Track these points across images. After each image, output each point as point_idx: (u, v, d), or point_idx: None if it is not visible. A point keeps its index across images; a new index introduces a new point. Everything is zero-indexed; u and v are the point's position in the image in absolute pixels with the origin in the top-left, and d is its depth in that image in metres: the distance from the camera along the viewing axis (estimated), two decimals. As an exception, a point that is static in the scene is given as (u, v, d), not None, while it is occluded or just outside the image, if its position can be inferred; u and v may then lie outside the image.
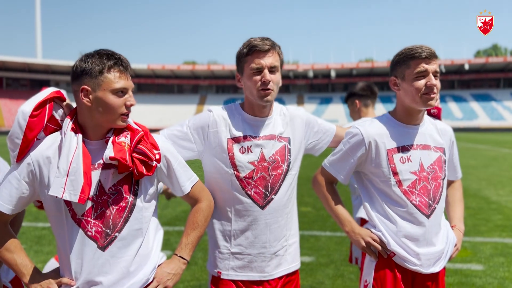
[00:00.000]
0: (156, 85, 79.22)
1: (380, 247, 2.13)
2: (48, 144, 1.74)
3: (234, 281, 2.07)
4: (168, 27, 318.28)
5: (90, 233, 1.73)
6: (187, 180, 1.92)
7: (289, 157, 2.11)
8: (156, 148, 1.82)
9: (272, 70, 2.02)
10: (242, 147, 2.05)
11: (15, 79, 72.84)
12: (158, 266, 1.86)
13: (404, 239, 2.11)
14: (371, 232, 2.17)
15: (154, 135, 1.91)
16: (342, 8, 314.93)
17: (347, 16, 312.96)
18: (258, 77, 2.01)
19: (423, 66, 2.04)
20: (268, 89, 2.01)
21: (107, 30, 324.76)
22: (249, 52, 2.01)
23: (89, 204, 1.73)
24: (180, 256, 1.88)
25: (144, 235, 1.81)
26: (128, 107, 1.75)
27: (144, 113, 64.43)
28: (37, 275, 1.79)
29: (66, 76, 69.79)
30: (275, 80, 2.03)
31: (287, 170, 2.10)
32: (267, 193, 2.05)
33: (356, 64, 74.57)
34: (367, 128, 2.16)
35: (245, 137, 2.06)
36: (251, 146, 2.06)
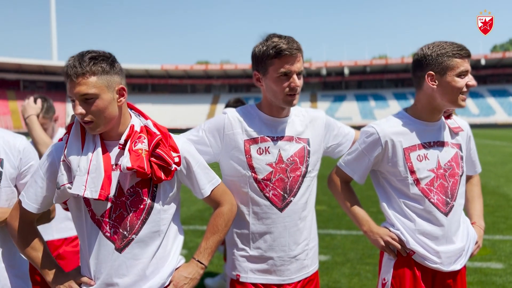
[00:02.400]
0: (170, 85, 79.69)
1: (399, 246, 2.11)
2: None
3: (254, 284, 2.05)
4: (181, 27, 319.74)
5: (108, 234, 1.73)
6: (207, 183, 1.88)
7: (307, 158, 2.07)
8: (176, 150, 1.80)
9: (298, 74, 1.98)
10: (259, 148, 2.02)
11: (31, 81, 73.96)
12: (176, 269, 1.84)
13: (423, 237, 2.08)
14: (390, 230, 2.14)
15: (175, 136, 1.88)
16: (355, 4, 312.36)
17: (361, 12, 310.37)
18: (286, 82, 1.95)
19: (465, 65, 2.02)
20: (295, 93, 1.99)
21: (121, 31, 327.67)
22: (277, 55, 1.93)
23: (107, 205, 1.73)
24: (198, 261, 1.86)
25: (162, 238, 1.79)
26: (79, 116, 1.66)
27: (157, 113, 64.82)
28: (60, 273, 1.81)
29: (81, 77, 70.50)
30: (300, 84, 1.99)
31: (306, 172, 2.06)
32: (285, 195, 2.02)
33: (370, 61, 73.89)
34: (383, 127, 2.13)
35: (262, 138, 2.03)
36: (268, 147, 2.02)
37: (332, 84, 79.81)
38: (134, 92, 77.88)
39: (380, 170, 2.19)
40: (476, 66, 70.56)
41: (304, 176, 2.06)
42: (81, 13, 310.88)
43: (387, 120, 2.19)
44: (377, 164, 2.17)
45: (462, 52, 2.02)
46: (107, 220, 1.73)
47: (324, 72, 73.77)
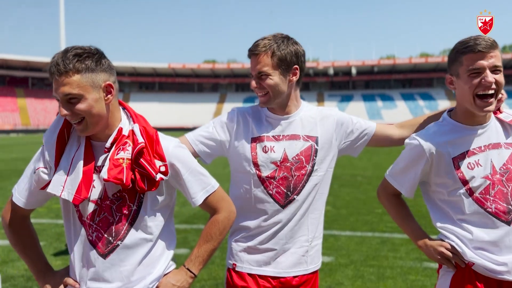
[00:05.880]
0: (177, 83, 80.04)
1: (450, 254, 1.93)
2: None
3: (250, 274, 2.06)
4: (189, 26, 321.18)
5: (90, 238, 1.66)
6: (200, 191, 1.75)
7: (314, 157, 2.05)
8: (163, 159, 1.67)
9: (261, 75, 1.98)
10: (265, 146, 2.04)
11: (40, 79, 74.67)
12: (165, 275, 1.76)
13: (481, 249, 1.89)
14: (444, 242, 1.96)
15: (166, 140, 1.73)
16: (363, 4, 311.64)
17: (368, 12, 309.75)
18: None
19: (479, 62, 1.79)
20: (262, 94, 2.02)
21: (129, 29, 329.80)
22: (249, 56, 2.04)
23: (92, 207, 1.65)
24: (188, 269, 1.76)
25: (151, 245, 1.71)
26: (66, 118, 1.59)
27: (164, 112, 65.04)
28: (48, 272, 1.77)
29: (89, 75, 70.96)
30: (266, 84, 1.98)
31: (312, 171, 2.04)
32: (288, 193, 2.02)
33: (378, 61, 73.76)
34: (427, 138, 1.96)
35: (268, 136, 2.05)
36: (274, 146, 2.04)
37: (339, 84, 79.69)
38: (141, 90, 78.20)
39: (429, 183, 2.02)
40: (485, 67, 69.97)
41: (309, 174, 2.04)
42: (89, 11, 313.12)
43: (432, 128, 2.00)
44: (426, 177, 2.01)
45: (472, 45, 1.79)
46: (91, 223, 1.65)
47: (331, 71, 73.72)
